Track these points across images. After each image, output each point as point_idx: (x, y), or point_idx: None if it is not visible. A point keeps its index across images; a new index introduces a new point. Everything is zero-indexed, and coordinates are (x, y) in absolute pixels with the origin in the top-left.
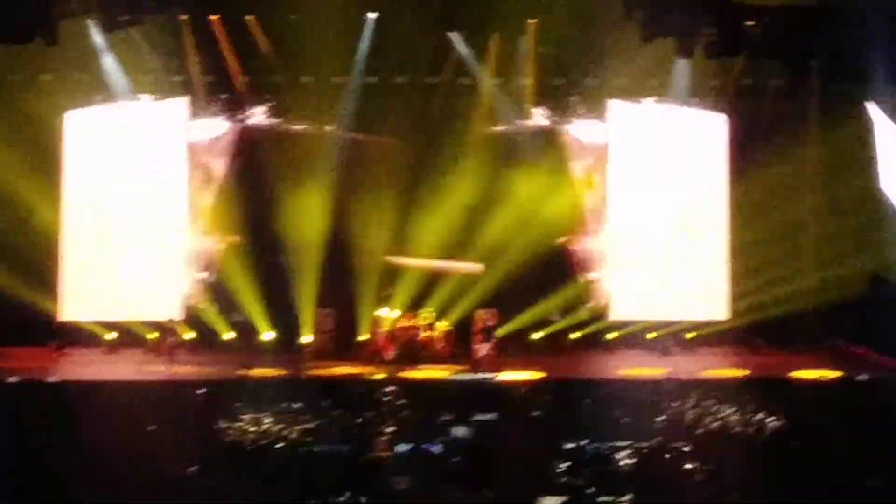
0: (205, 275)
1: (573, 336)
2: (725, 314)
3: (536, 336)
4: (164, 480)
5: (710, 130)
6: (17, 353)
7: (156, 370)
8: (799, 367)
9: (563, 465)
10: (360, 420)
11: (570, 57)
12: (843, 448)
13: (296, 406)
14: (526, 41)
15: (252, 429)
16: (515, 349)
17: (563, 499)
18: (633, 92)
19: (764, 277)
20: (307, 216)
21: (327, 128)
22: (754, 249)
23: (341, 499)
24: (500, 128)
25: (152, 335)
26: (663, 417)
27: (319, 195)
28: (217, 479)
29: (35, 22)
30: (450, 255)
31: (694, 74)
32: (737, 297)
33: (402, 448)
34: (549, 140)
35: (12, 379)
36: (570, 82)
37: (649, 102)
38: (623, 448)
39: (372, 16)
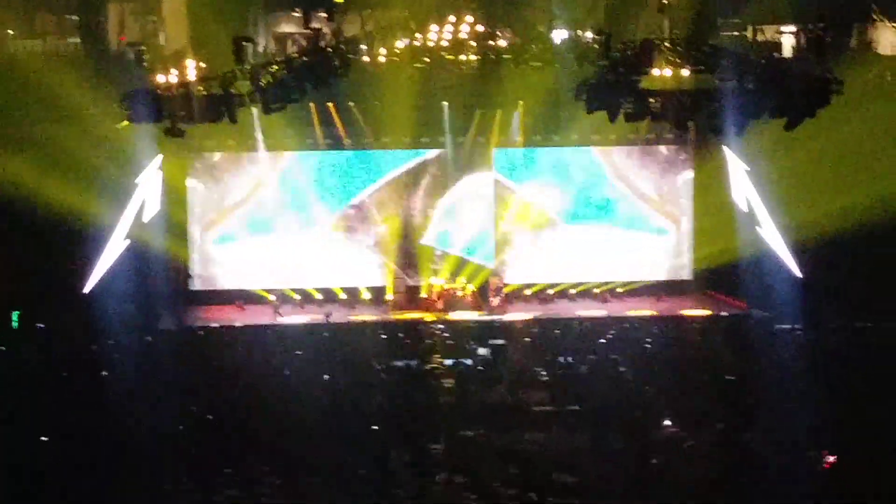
0: None
1: (551, 291)
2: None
3: (529, 292)
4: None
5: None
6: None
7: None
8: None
9: (544, 372)
10: (421, 345)
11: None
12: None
13: (384, 337)
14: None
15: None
16: (516, 300)
17: None
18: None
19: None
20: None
21: None
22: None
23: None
24: None
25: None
26: (602, 340)
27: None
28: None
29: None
30: None
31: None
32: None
33: (447, 361)
34: None
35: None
36: None
37: None
38: (582, 362)
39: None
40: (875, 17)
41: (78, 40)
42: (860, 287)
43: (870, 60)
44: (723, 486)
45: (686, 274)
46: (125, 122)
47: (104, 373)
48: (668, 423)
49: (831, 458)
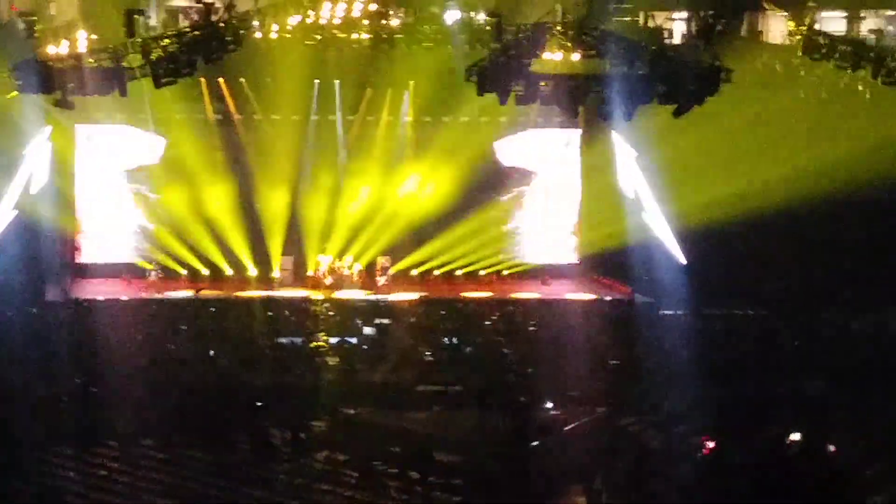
0: None
1: (438, 273)
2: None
3: (415, 272)
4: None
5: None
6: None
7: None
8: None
9: (428, 352)
10: (307, 322)
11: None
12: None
13: (270, 314)
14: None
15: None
16: (402, 281)
17: None
18: None
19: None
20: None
21: None
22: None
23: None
24: None
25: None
26: (487, 322)
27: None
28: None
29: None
30: None
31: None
32: None
33: (333, 339)
34: None
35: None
36: None
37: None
38: (467, 343)
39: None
40: (765, 5)
41: None
42: (742, 274)
43: (759, 49)
44: (602, 468)
45: (572, 258)
46: (14, 93)
47: None
48: (549, 405)
49: (710, 444)
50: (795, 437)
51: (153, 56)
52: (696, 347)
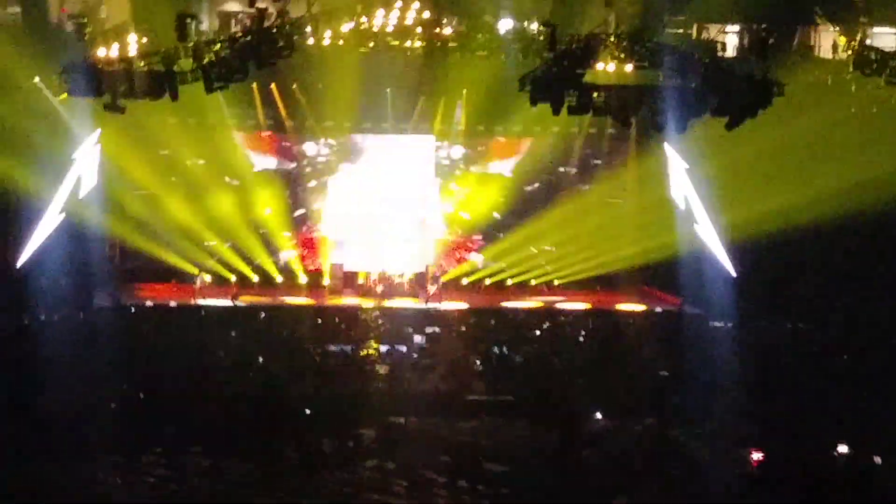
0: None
1: (489, 282)
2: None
3: (465, 282)
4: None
5: None
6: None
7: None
8: (622, 302)
9: (477, 361)
10: (357, 330)
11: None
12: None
13: (319, 322)
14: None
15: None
16: (452, 290)
17: None
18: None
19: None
20: None
21: None
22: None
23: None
24: None
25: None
26: (537, 332)
27: None
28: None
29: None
30: None
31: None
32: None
33: (383, 347)
34: None
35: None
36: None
37: None
38: (517, 353)
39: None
40: (818, 20)
41: (18, 10)
42: (791, 287)
43: (811, 63)
44: (651, 479)
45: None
46: (64, 96)
47: (36, 347)
48: (598, 415)
49: (758, 456)
50: (843, 449)
51: (205, 60)
52: (745, 360)
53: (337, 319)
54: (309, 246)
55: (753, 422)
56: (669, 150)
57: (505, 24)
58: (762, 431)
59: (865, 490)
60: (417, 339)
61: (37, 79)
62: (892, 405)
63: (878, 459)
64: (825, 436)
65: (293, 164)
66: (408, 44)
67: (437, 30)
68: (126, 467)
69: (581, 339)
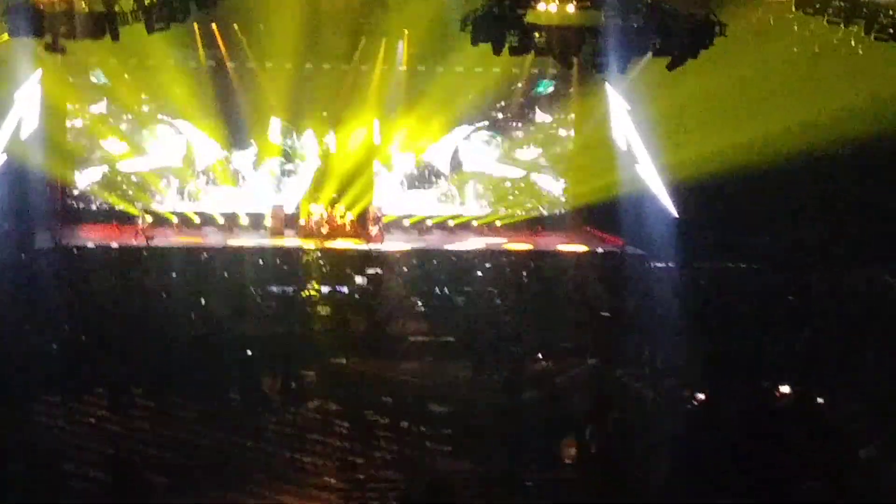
0: None
1: (430, 223)
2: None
3: (407, 223)
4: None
5: None
6: None
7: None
8: (564, 244)
9: (420, 302)
10: (299, 271)
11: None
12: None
13: (261, 263)
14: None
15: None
16: (394, 231)
17: None
18: None
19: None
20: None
21: None
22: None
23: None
24: None
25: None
26: (479, 273)
27: None
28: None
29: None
30: None
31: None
32: None
33: (324, 289)
34: None
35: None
36: None
37: None
38: (459, 294)
39: None
40: None
41: None
42: (733, 229)
43: (753, 3)
44: (593, 421)
45: (563, 209)
46: (5, 36)
47: None
48: (540, 356)
49: (701, 396)
50: (785, 389)
51: (146, 1)
52: (687, 301)
53: (278, 261)
54: None
55: (697, 363)
56: (611, 90)
57: None
58: (705, 372)
59: (807, 429)
60: (359, 280)
61: None
62: (834, 345)
63: (820, 400)
64: (768, 376)
65: None
66: None
67: None
68: (67, 407)
69: (523, 280)
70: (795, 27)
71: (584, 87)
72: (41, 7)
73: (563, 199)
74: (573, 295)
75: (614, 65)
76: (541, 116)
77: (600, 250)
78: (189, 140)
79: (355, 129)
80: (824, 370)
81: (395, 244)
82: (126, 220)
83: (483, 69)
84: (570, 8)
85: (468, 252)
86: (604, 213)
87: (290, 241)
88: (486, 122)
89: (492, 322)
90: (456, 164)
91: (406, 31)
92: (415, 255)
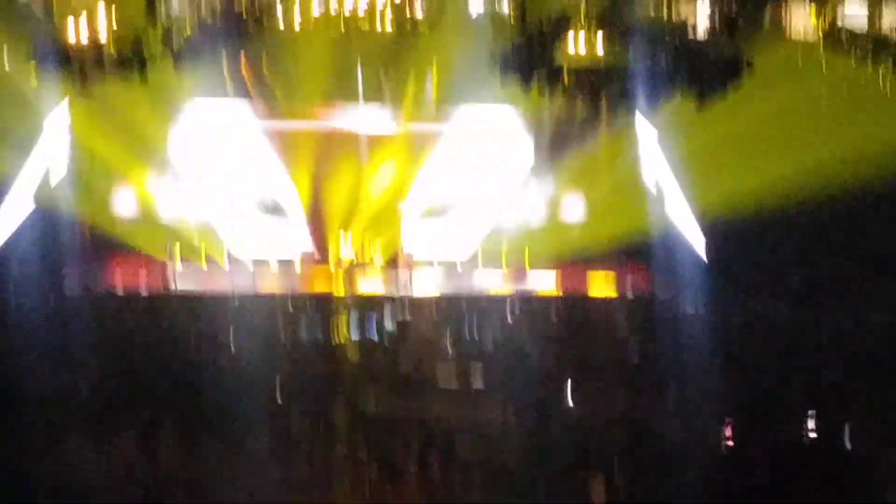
0: None
1: (459, 269)
2: None
3: (437, 266)
4: None
5: None
6: None
7: None
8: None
9: (451, 349)
10: (329, 317)
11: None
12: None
13: (291, 309)
14: None
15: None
16: (424, 275)
17: None
18: None
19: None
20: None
21: None
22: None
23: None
24: None
25: None
26: (508, 318)
27: None
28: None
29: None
30: None
31: None
32: None
33: (353, 336)
34: None
35: None
36: None
37: None
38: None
39: None
40: None
41: None
42: (763, 269)
43: (782, 42)
44: (624, 466)
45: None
46: (33, 77)
47: (5, 334)
48: (570, 400)
49: (730, 442)
50: (812, 426)
51: (174, 44)
52: (718, 343)
53: (307, 306)
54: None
55: (725, 402)
56: (640, 129)
57: (475, 5)
58: (733, 411)
59: (836, 471)
60: (389, 326)
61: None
62: (863, 382)
63: (848, 442)
64: (799, 417)
65: None
66: (378, 27)
67: (408, 13)
68: (97, 451)
69: (552, 323)
70: (824, 67)
71: (613, 128)
72: (68, 51)
73: (592, 241)
74: (602, 338)
75: (643, 104)
76: None
77: (630, 294)
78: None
79: (382, 166)
80: (852, 407)
81: (424, 287)
82: (154, 264)
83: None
84: (599, 48)
85: (497, 296)
86: (633, 257)
87: (319, 285)
88: None
89: (522, 368)
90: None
91: (434, 72)
92: (446, 301)
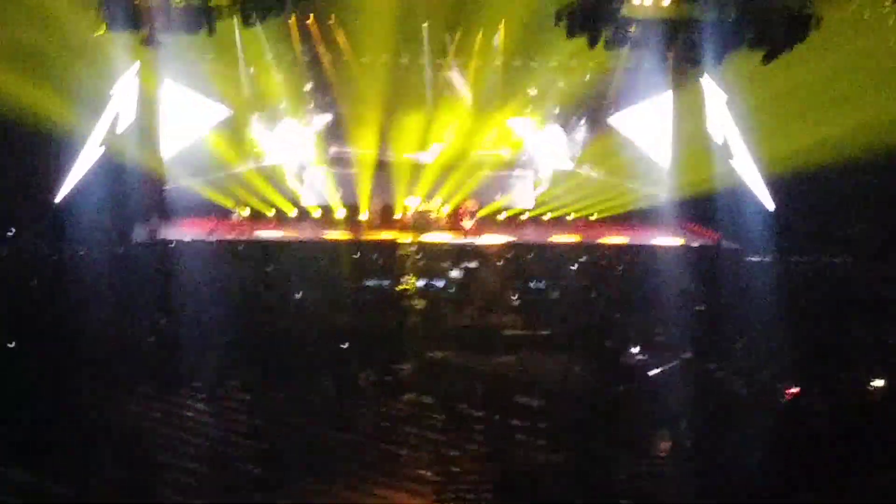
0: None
1: (525, 217)
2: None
3: (502, 216)
4: None
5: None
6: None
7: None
8: (659, 238)
9: (515, 296)
10: (394, 265)
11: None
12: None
13: (355, 257)
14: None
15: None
16: (489, 224)
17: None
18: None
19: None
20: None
21: None
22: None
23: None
24: None
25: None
26: (574, 266)
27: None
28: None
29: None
30: None
31: None
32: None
33: (419, 283)
34: None
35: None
36: None
37: None
38: (554, 287)
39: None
40: None
41: None
42: (828, 221)
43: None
44: (686, 415)
45: (659, 203)
46: (102, 30)
47: (75, 282)
48: (635, 350)
49: (793, 390)
50: (879, 383)
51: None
52: (782, 294)
53: (374, 254)
54: None
55: (789, 356)
56: (706, 84)
57: None
58: (798, 366)
59: None
60: (454, 273)
61: (74, 14)
62: None
63: None
64: (862, 369)
65: None
66: None
67: None
68: (163, 400)
69: (618, 273)
70: (891, 21)
71: (680, 81)
72: (137, 1)
73: (658, 193)
74: (668, 289)
75: (709, 58)
76: None
77: (696, 244)
78: (285, 135)
79: (451, 122)
80: None
81: (490, 238)
82: (222, 213)
83: (578, 63)
84: (666, 1)
85: (563, 245)
86: (700, 207)
87: (386, 234)
88: (584, 116)
89: (587, 315)
90: (551, 158)
91: (501, 26)
92: (510, 249)
